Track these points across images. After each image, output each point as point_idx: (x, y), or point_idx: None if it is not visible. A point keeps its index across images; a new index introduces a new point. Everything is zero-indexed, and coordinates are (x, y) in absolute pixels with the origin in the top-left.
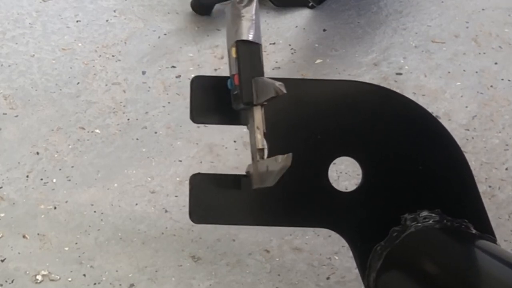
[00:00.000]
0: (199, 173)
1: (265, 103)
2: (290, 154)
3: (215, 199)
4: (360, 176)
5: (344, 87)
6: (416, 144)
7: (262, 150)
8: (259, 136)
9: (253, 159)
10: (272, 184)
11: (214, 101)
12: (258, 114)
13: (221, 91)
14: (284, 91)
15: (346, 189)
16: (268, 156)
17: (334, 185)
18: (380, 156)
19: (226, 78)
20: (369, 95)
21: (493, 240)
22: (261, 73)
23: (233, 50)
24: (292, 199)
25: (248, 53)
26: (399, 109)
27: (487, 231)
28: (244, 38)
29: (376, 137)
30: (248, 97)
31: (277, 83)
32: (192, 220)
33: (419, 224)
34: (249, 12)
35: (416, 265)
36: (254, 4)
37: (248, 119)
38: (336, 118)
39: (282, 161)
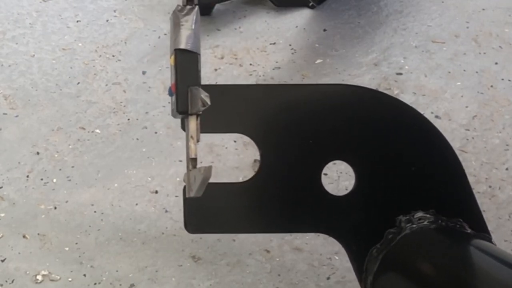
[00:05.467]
0: None
1: (200, 112)
2: (211, 166)
3: (209, 208)
4: None
5: (335, 91)
6: (408, 145)
7: (194, 159)
8: (193, 146)
9: (187, 168)
10: (199, 194)
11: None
12: (192, 124)
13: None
14: (209, 103)
15: (346, 189)
16: (261, 162)
17: (334, 185)
18: (373, 158)
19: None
20: (359, 98)
21: (489, 238)
22: (197, 82)
23: (172, 58)
24: (286, 205)
25: (185, 62)
26: (390, 111)
27: (482, 230)
28: (182, 47)
29: (368, 140)
30: (183, 106)
31: (204, 95)
32: (188, 231)
33: (414, 225)
34: (189, 21)
35: (413, 267)
36: (194, 14)
37: (185, 127)
38: (328, 122)
39: (203, 172)
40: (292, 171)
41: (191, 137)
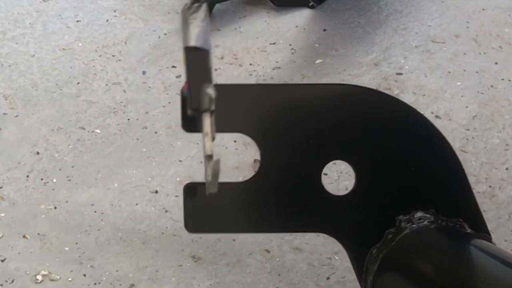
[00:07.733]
0: (192, 182)
1: (213, 109)
2: (218, 159)
3: (209, 208)
4: None
5: (335, 90)
6: (408, 145)
7: (210, 156)
8: (208, 143)
9: (204, 166)
10: (214, 190)
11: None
12: (206, 121)
13: None
14: (213, 96)
15: (346, 189)
16: (261, 162)
17: (334, 185)
18: (373, 158)
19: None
20: (360, 98)
21: (489, 238)
22: (208, 79)
23: (183, 56)
24: (286, 205)
25: (195, 60)
26: (391, 111)
27: (482, 230)
28: (192, 44)
29: (368, 139)
30: (196, 103)
31: (209, 89)
32: (188, 230)
33: (414, 225)
34: (198, 18)
35: (413, 267)
36: (203, 11)
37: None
38: (328, 122)
39: (212, 166)
40: (292, 170)
41: (206, 134)
